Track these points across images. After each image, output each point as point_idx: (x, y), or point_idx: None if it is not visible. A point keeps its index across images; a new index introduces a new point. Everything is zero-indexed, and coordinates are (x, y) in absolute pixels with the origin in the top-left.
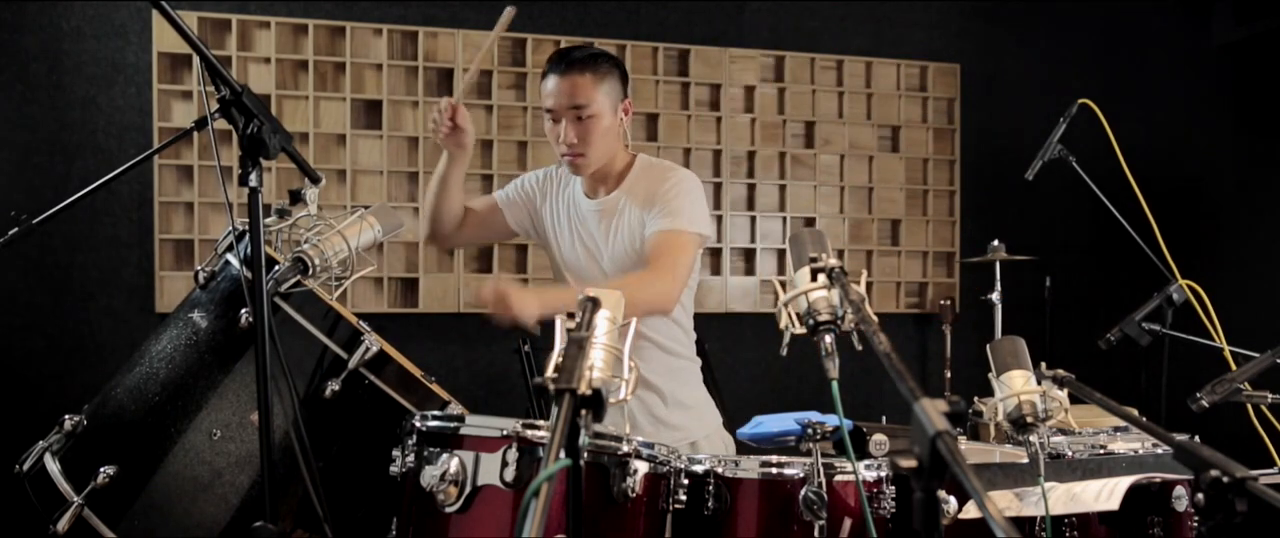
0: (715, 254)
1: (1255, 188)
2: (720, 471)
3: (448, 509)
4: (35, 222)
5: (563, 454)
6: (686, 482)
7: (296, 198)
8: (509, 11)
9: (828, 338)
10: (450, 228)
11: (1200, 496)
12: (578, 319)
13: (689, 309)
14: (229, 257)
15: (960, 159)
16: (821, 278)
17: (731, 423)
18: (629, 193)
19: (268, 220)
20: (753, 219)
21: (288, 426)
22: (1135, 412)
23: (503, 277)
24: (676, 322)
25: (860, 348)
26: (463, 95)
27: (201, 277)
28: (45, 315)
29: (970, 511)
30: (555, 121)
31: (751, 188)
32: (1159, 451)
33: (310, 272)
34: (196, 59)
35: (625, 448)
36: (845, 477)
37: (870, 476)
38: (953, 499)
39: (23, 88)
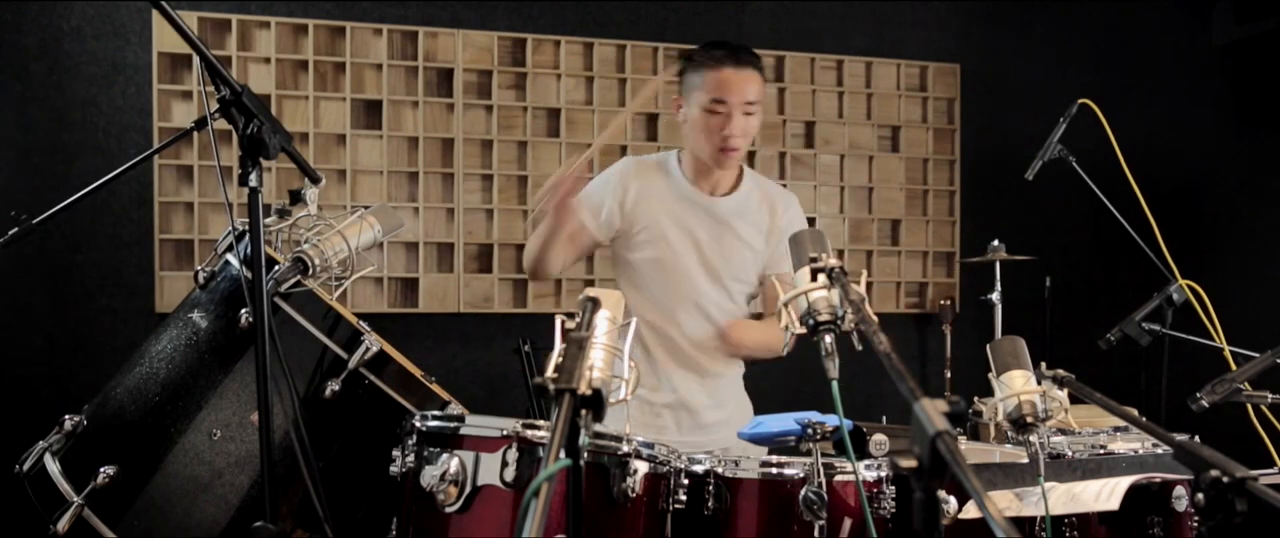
0: None
1: (1255, 188)
2: (720, 471)
3: (448, 509)
4: (35, 222)
5: (563, 454)
6: (686, 482)
7: (296, 198)
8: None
9: (828, 338)
10: (554, 272)
11: (1200, 496)
12: (578, 319)
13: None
14: (229, 257)
15: (960, 159)
16: (821, 278)
17: None
18: (749, 198)
19: (268, 220)
20: None
21: (288, 426)
22: (1135, 412)
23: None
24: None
25: (860, 348)
26: (582, 167)
27: (201, 277)
28: (45, 315)
29: (970, 511)
30: (719, 113)
31: None
32: (1159, 451)
33: (310, 272)
34: (196, 59)
35: (625, 448)
36: (845, 477)
37: (870, 476)
38: (953, 499)
39: (23, 88)
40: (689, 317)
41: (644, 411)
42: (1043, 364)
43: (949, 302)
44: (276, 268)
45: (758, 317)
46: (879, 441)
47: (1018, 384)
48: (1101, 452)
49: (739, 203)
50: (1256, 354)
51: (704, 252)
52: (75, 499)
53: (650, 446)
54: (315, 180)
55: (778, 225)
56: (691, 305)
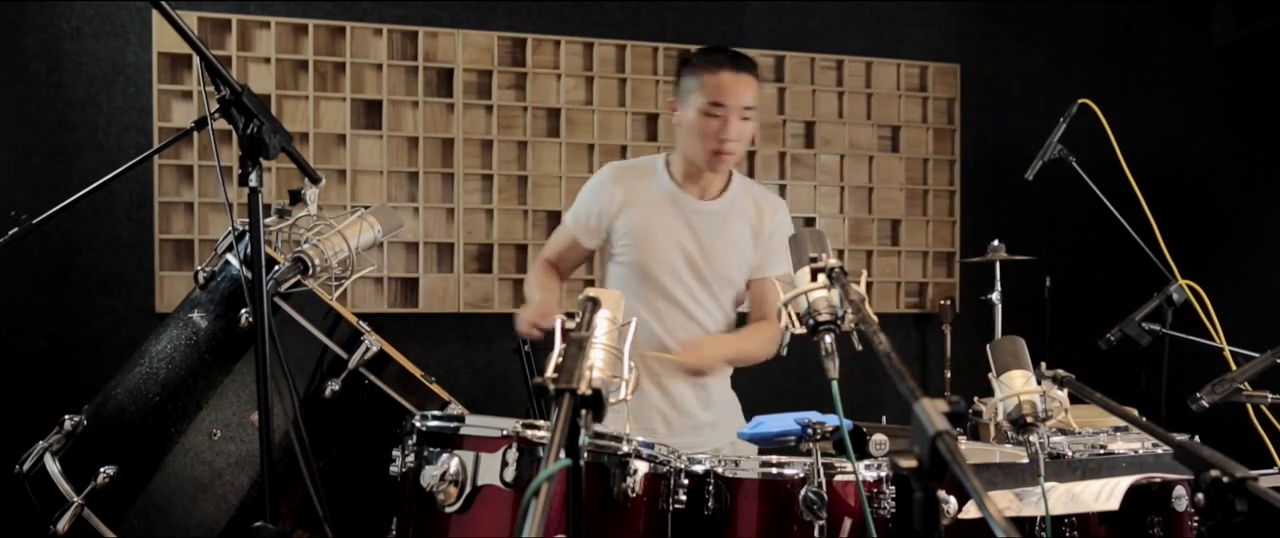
0: None
1: (1255, 188)
2: (720, 471)
3: (448, 509)
4: (35, 222)
5: (563, 454)
6: (686, 482)
7: (296, 198)
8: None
9: (828, 338)
10: None
11: (1200, 496)
12: (578, 319)
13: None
14: (229, 257)
15: (960, 159)
16: (821, 278)
17: None
18: (737, 202)
19: (268, 220)
20: None
21: (288, 426)
22: (1135, 412)
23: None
24: (731, 324)
25: (860, 348)
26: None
27: (201, 277)
28: (45, 315)
29: (970, 511)
30: (716, 117)
31: None
32: (1159, 451)
33: (310, 272)
34: (196, 59)
35: (625, 448)
36: (845, 477)
37: (870, 476)
38: (953, 499)
39: (23, 88)
40: (675, 319)
41: (634, 413)
42: (1043, 364)
43: (949, 302)
44: (276, 268)
45: (744, 319)
46: (879, 441)
47: (1018, 384)
48: (1101, 452)
49: (727, 206)
50: (1256, 354)
51: (690, 255)
52: (75, 499)
53: (650, 445)
54: (315, 180)
55: (764, 229)
56: (677, 308)
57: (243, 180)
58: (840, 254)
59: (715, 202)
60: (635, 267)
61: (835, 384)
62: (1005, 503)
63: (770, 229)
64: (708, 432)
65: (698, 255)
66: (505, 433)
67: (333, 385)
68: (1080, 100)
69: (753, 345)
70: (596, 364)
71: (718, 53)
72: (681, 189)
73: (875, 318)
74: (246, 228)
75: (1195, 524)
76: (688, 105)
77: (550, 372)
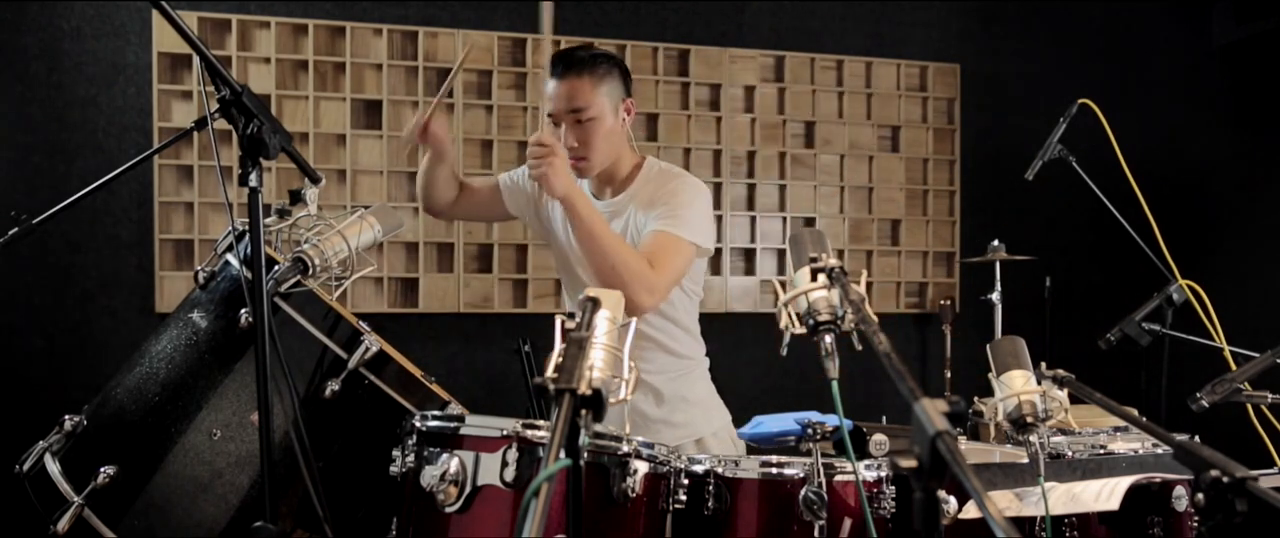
0: (715, 254)
1: (1255, 188)
2: (720, 471)
3: (448, 509)
4: (35, 222)
5: (563, 454)
6: (686, 482)
7: (296, 198)
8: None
9: (828, 338)
10: (441, 206)
11: (1200, 496)
12: (578, 319)
13: (693, 310)
14: (229, 257)
15: (960, 159)
16: (821, 278)
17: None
18: (634, 197)
19: (268, 220)
20: (753, 219)
21: (288, 426)
22: (1135, 412)
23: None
24: (677, 322)
25: (860, 348)
26: (431, 110)
27: (201, 277)
28: (45, 315)
29: (970, 511)
30: (556, 125)
31: (751, 188)
32: (1159, 451)
33: (310, 272)
34: (196, 59)
35: (625, 448)
36: (845, 477)
37: (870, 476)
38: (953, 499)
39: (23, 88)
40: None
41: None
42: (1043, 364)
43: (949, 302)
44: (276, 268)
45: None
46: (879, 441)
47: (1018, 384)
48: (1101, 452)
49: (621, 203)
50: (1256, 354)
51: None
52: (75, 499)
53: (650, 445)
54: (315, 180)
55: (657, 198)
56: None
57: (243, 180)
58: (840, 254)
59: (608, 201)
60: (558, 259)
61: (835, 384)
62: (1005, 503)
63: (663, 197)
64: (661, 428)
65: None
66: (505, 433)
67: (333, 385)
68: (1080, 100)
69: (611, 242)
70: (596, 364)
71: (552, 59)
72: (587, 188)
73: (875, 318)
74: (246, 228)
75: (1195, 524)
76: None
77: (550, 372)
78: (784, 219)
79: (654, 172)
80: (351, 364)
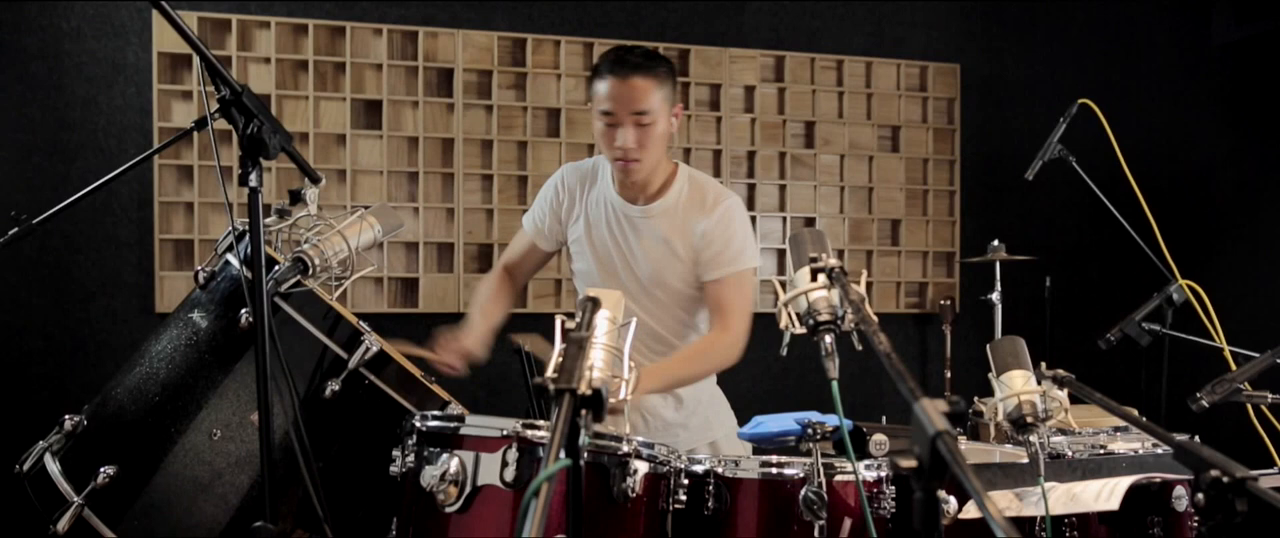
0: None
1: (1255, 188)
2: (720, 471)
3: (448, 509)
4: (35, 222)
5: (563, 454)
6: (686, 482)
7: (296, 198)
8: None
9: (828, 338)
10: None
11: (1200, 496)
12: (578, 319)
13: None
14: (229, 257)
15: (960, 159)
16: (821, 278)
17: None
18: (672, 209)
19: (268, 220)
20: (753, 219)
21: (288, 426)
22: (1135, 412)
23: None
24: (697, 329)
25: (860, 348)
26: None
27: (201, 277)
28: (45, 315)
29: (970, 511)
30: (611, 125)
31: (751, 188)
32: (1159, 451)
33: (310, 272)
34: (196, 59)
35: (625, 448)
36: (845, 477)
37: (870, 476)
38: (953, 499)
39: (23, 88)
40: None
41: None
42: (1043, 364)
43: (949, 302)
44: (276, 268)
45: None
46: (879, 441)
47: (1018, 384)
48: (1101, 452)
49: (659, 210)
50: (1256, 354)
51: (629, 261)
52: (75, 499)
53: (650, 445)
54: (315, 180)
55: (701, 227)
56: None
57: (243, 180)
58: (840, 254)
59: (648, 206)
60: (585, 274)
61: (835, 384)
62: (1005, 503)
63: (706, 227)
64: (679, 431)
65: (635, 262)
66: (505, 433)
67: (333, 385)
68: (1080, 100)
69: (686, 370)
70: (596, 364)
71: (608, 57)
72: (619, 193)
73: (875, 318)
74: (246, 228)
75: (1195, 524)
76: (594, 114)
77: (550, 372)
78: (784, 219)
79: (690, 183)
80: (351, 364)
